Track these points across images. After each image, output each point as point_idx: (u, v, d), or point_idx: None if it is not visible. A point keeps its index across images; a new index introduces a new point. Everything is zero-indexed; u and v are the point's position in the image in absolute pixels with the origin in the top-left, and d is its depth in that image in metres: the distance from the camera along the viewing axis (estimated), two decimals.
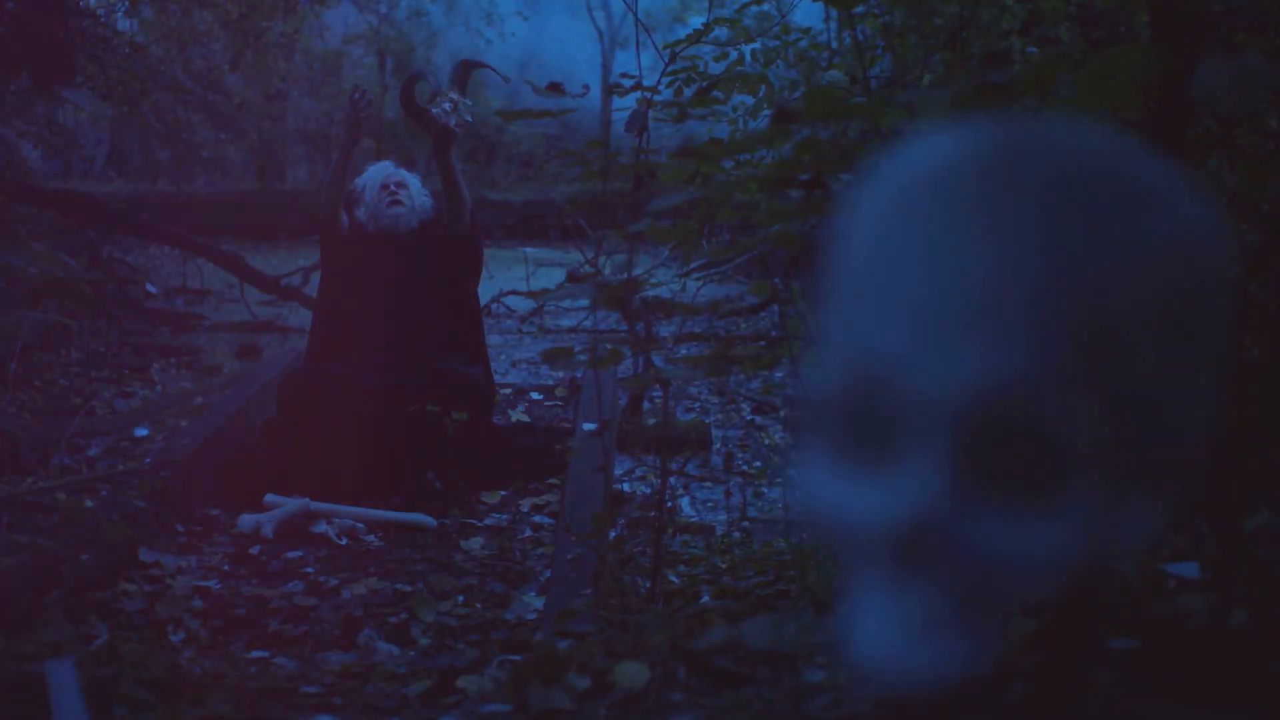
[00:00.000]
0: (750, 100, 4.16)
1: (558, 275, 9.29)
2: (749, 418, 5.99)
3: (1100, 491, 0.53)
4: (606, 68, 15.91)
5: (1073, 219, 0.57)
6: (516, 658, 2.63)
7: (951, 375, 0.52)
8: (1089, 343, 0.54)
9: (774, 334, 8.08)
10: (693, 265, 8.66)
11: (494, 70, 5.67)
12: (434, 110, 4.84)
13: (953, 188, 0.58)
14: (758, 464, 5.22)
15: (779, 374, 5.58)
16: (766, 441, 5.55)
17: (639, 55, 3.06)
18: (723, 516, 4.50)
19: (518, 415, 5.88)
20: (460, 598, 3.66)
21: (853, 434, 0.56)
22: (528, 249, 11.23)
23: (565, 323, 8.57)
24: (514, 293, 8.62)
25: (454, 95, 4.89)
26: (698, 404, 6.20)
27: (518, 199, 14.22)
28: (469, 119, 4.89)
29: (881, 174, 0.63)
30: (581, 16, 16.67)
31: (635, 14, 3.03)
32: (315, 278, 8.23)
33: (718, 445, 5.46)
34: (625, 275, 2.66)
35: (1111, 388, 0.55)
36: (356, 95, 4.92)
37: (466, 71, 5.10)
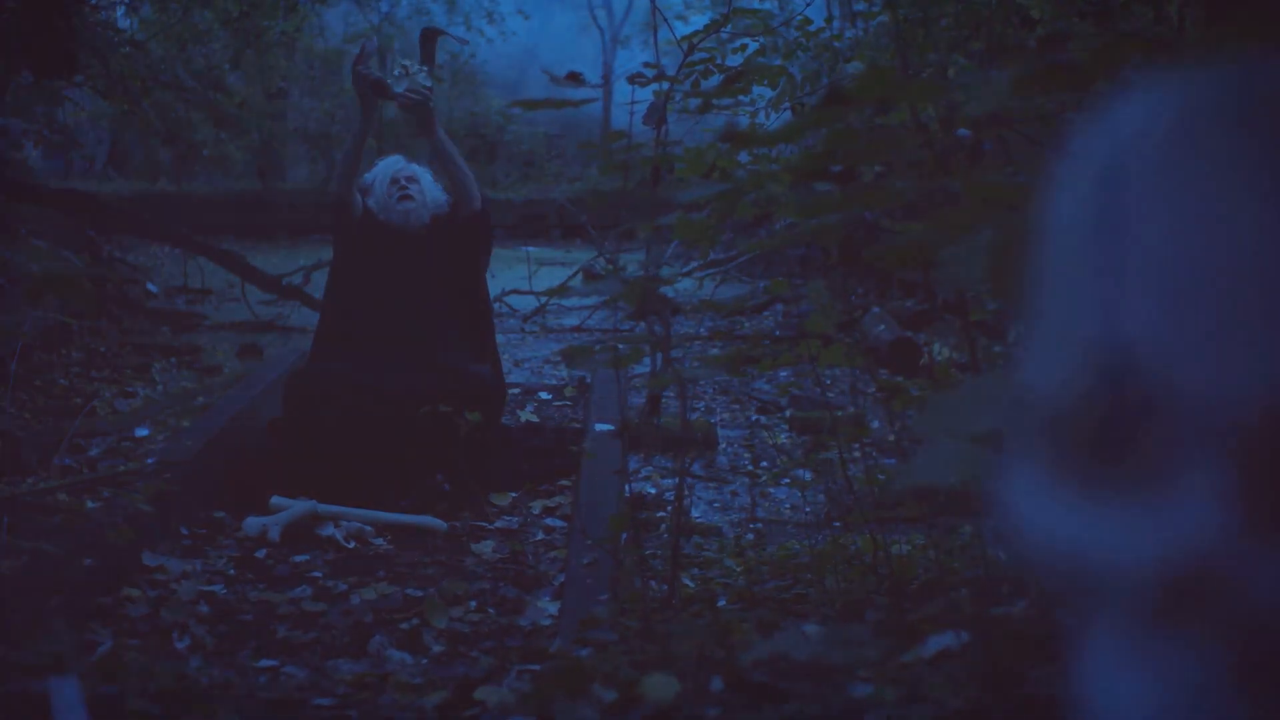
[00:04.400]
0: (770, 92, 4.09)
1: (560, 275, 9.18)
2: (754, 418, 5.91)
3: None
4: (608, 66, 15.84)
5: None
6: (535, 667, 2.55)
7: (1239, 376, 0.43)
8: None
9: (778, 333, 7.99)
10: (702, 262, 8.59)
11: (454, 37, 5.59)
12: (388, 81, 4.65)
13: (1232, 140, 0.48)
14: (764, 464, 5.15)
15: (784, 373, 5.50)
16: (773, 442, 5.47)
17: (657, 45, 2.99)
18: (731, 517, 4.42)
19: (526, 415, 5.80)
20: (473, 603, 3.58)
21: (1100, 451, 0.46)
22: (529, 248, 11.13)
23: (568, 322, 8.48)
24: (523, 291, 8.47)
25: (404, 62, 4.70)
26: (701, 403, 6.12)
27: (519, 198, 14.14)
28: (428, 84, 4.67)
29: (1119, 134, 0.53)
30: (583, 15, 16.62)
31: (655, 3, 2.95)
32: (316, 277, 8.17)
33: (723, 445, 5.38)
34: (643, 273, 2.58)
35: None
36: (362, 60, 4.70)
37: (430, 40, 4.97)
